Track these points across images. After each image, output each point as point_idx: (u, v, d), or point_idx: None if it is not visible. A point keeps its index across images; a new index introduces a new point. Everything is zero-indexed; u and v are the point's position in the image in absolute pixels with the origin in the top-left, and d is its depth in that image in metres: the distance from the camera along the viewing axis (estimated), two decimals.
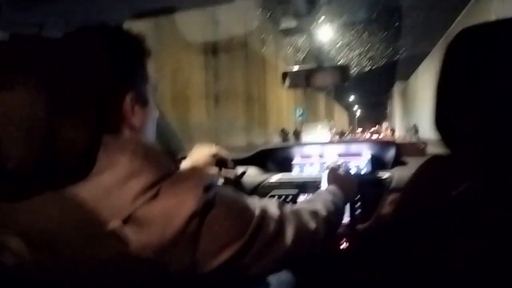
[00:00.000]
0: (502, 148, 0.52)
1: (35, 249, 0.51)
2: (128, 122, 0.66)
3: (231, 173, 1.17)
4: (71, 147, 0.54)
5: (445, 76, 0.59)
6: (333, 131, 14.13)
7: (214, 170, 1.11)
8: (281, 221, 0.69)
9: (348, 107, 51.06)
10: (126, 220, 0.54)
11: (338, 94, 37.92)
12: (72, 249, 0.52)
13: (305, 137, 10.62)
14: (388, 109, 40.80)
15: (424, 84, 17.04)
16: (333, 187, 1.00)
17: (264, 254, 0.65)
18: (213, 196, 0.61)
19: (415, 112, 20.45)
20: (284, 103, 16.56)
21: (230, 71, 11.21)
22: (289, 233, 0.69)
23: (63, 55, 0.59)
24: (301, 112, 15.47)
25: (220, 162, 1.14)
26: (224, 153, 1.15)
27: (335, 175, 1.10)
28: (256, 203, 0.68)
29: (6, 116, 0.50)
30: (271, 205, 0.71)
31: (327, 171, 1.16)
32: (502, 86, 0.52)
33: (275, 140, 12.92)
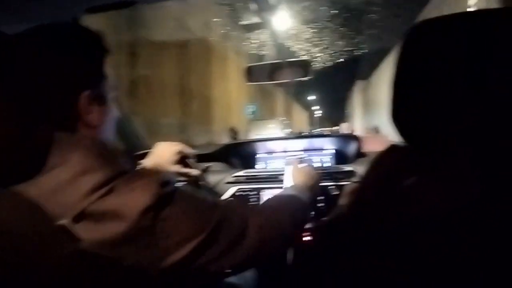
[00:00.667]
0: (459, 141, 0.53)
1: None
2: (84, 120, 0.65)
3: (195, 168, 1.16)
4: (20, 145, 0.54)
5: (401, 71, 0.60)
6: (288, 131, 12.56)
7: (176, 167, 1.10)
8: (245, 220, 0.70)
9: (307, 107, 50.38)
10: (78, 217, 0.53)
11: (298, 93, 36.87)
12: (25, 248, 0.51)
13: (252, 137, 9.58)
14: (348, 110, 40.20)
15: (386, 83, 15.91)
16: (297, 184, 1.06)
17: (226, 254, 0.64)
18: (170, 192, 0.61)
19: (377, 112, 19.44)
20: (234, 100, 14.80)
21: (164, 63, 9.36)
22: (254, 232, 0.69)
23: (15, 52, 0.59)
24: (252, 109, 13.74)
25: (183, 159, 1.14)
26: (188, 150, 1.15)
27: (299, 170, 1.15)
28: (218, 202, 0.70)
29: None
30: (234, 205, 0.74)
31: (290, 166, 1.23)
32: (457, 80, 0.53)
33: (221, 140, 11.18)
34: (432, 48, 0.55)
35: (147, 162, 1.06)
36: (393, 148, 0.62)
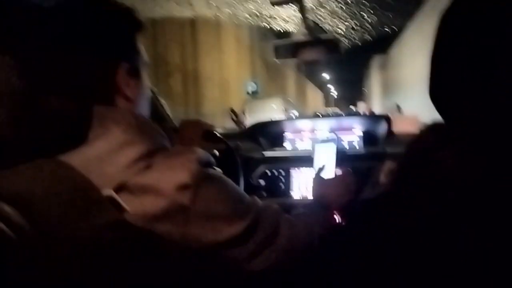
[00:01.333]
0: (498, 125, 0.51)
1: (30, 217, 0.48)
2: (123, 93, 0.65)
3: (223, 141, 1.19)
4: (60, 118, 0.56)
5: (441, 46, 0.58)
6: (292, 112, 10.46)
7: (207, 143, 1.12)
8: (278, 217, 0.71)
9: (321, 86, 48.04)
10: (118, 188, 0.54)
11: (311, 70, 34.61)
12: (67, 216, 0.50)
13: (248, 119, 8.09)
14: (366, 88, 37.68)
15: (408, 57, 13.63)
16: (318, 201, 1.02)
17: (260, 251, 0.65)
18: (209, 173, 0.61)
19: (398, 90, 17.17)
20: (232, 77, 12.82)
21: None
22: (285, 230, 0.70)
23: (51, 24, 0.59)
24: (252, 87, 11.75)
25: (209, 136, 1.15)
26: (212, 128, 1.17)
27: (319, 186, 1.09)
28: (255, 201, 0.70)
29: None
30: (269, 208, 0.72)
31: (320, 145, 1.32)
32: (501, 60, 0.51)
33: (216, 125, 9.27)
34: (473, 24, 0.53)
35: (180, 140, 1.11)
36: (430, 126, 0.60)
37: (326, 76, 47.51)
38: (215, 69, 11.42)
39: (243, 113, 8.65)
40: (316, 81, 40.89)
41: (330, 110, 23.16)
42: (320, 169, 1.17)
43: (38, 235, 0.48)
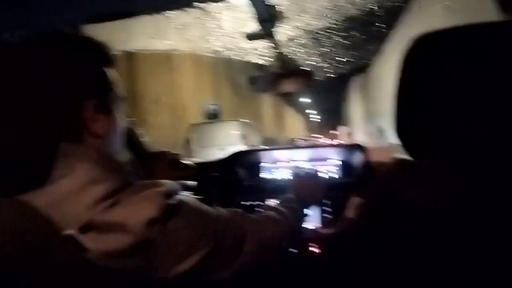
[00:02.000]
0: (466, 159, 0.53)
1: None
2: (90, 130, 0.66)
3: (189, 167, 1.21)
4: (26, 155, 0.56)
5: (404, 85, 0.59)
6: (252, 139, 8.62)
7: (173, 172, 1.14)
8: (244, 228, 0.76)
9: (301, 110, 46.96)
10: (84, 228, 0.54)
11: (289, 98, 33.53)
12: (28, 256, 0.50)
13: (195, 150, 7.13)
14: (347, 111, 36.71)
15: (389, 75, 12.49)
16: (293, 194, 1.09)
17: (228, 262, 0.70)
18: (174, 204, 0.63)
19: (381, 109, 15.93)
20: (189, 100, 11.06)
21: None
22: (250, 243, 0.75)
23: (19, 60, 0.59)
24: (213, 109, 9.94)
25: (176, 165, 1.18)
26: (177, 156, 1.21)
27: (297, 180, 1.20)
28: (219, 213, 0.73)
29: None
30: (235, 214, 0.78)
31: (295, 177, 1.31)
32: (458, 93, 0.53)
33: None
34: (434, 60, 0.55)
35: (148, 171, 1.11)
36: (399, 164, 0.63)
37: (305, 100, 46.63)
38: (165, 92, 9.68)
39: (187, 143, 6.93)
40: (295, 106, 39.92)
41: (306, 137, 22.77)
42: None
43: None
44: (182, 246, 0.61)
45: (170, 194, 0.62)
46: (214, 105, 10.05)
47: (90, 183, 0.57)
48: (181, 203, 0.64)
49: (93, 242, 0.53)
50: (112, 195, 0.58)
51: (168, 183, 0.64)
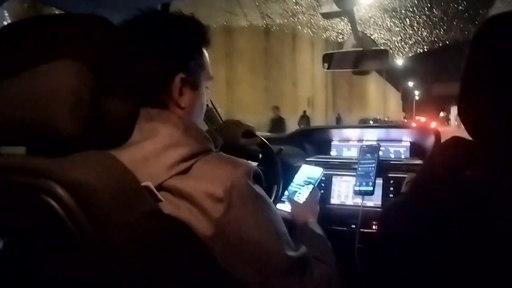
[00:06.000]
0: None
1: (78, 199, 0.52)
2: (175, 101, 0.70)
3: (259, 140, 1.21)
4: (115, 119, 0.57)
5: (472, 66, 0.57)
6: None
7: (244, 140, 1.16)
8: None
9: (406, 92, 46.39)
10: (159, 188, 0.57)
11: (392, 77, 35.15)
12: (109, 203, 0.53)
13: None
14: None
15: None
16: (307, 221, 0.99)
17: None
18: (247, 189, 0.62)
19: None
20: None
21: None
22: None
23: (115, 33, 0.61)
24: None
25: (249, 136, 1.17)
26: (251, 128, 1.19)
27: (301, 207, 1.09)
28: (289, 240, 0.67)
29: (52, 90, 0.53)
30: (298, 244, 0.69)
31: (306, 166, 1.35)
32: None
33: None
34: (503, 44, 0.53)
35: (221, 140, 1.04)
36: (455, 141, 0.61)
37: (411, 82, 46.62)
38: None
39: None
40: (398, 86, 39.78)
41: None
42: (294, 191, 1.20)
43: (88, 219, 0.52)
44: (233, 237, 0.60)
45: (248, 176, 0.63)
46: None
47: (171, 146, 0.61)
48: (254, 192, 0.63)
49: (166, 203, 0.57)
50: (188, 159, 0.61)
51: (247, 165, 0.65)
